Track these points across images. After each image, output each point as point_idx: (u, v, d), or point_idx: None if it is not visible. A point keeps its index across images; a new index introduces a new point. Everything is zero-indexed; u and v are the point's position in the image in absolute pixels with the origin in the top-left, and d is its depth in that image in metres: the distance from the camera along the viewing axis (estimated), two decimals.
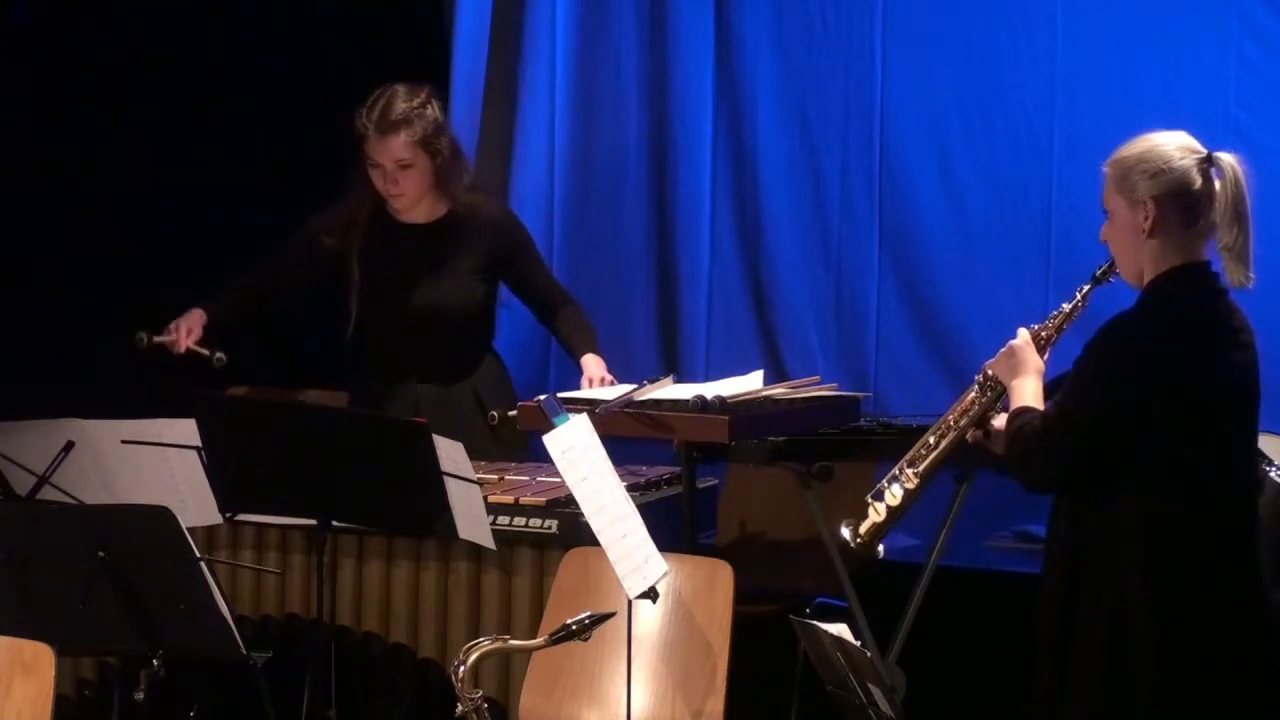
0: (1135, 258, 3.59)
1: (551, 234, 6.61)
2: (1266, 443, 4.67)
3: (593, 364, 5.11)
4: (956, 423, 3.82)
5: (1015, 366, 3.70)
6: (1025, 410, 3.63)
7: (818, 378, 5.08)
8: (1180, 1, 5.95)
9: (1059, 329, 3.73)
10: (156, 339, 5.06)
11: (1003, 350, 3.74)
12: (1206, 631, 3.48)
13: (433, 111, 5.07)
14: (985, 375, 3.80)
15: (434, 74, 6.17)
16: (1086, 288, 3.71)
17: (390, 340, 5.15)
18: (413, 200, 5.11)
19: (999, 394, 3.77)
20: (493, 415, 4.79)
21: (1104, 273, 3.69)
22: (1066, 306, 3.73)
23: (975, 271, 6.15)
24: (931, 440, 3.84)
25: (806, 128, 6.41)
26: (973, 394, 3.82)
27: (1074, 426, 3.51)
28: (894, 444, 5.18)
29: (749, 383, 4.79)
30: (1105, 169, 3.64)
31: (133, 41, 6.30)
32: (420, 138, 5.03)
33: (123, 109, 6.28)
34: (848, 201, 6.37)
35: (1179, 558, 3.48)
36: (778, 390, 4.82)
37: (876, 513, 3.84)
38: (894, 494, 3.83)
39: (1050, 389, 3.69)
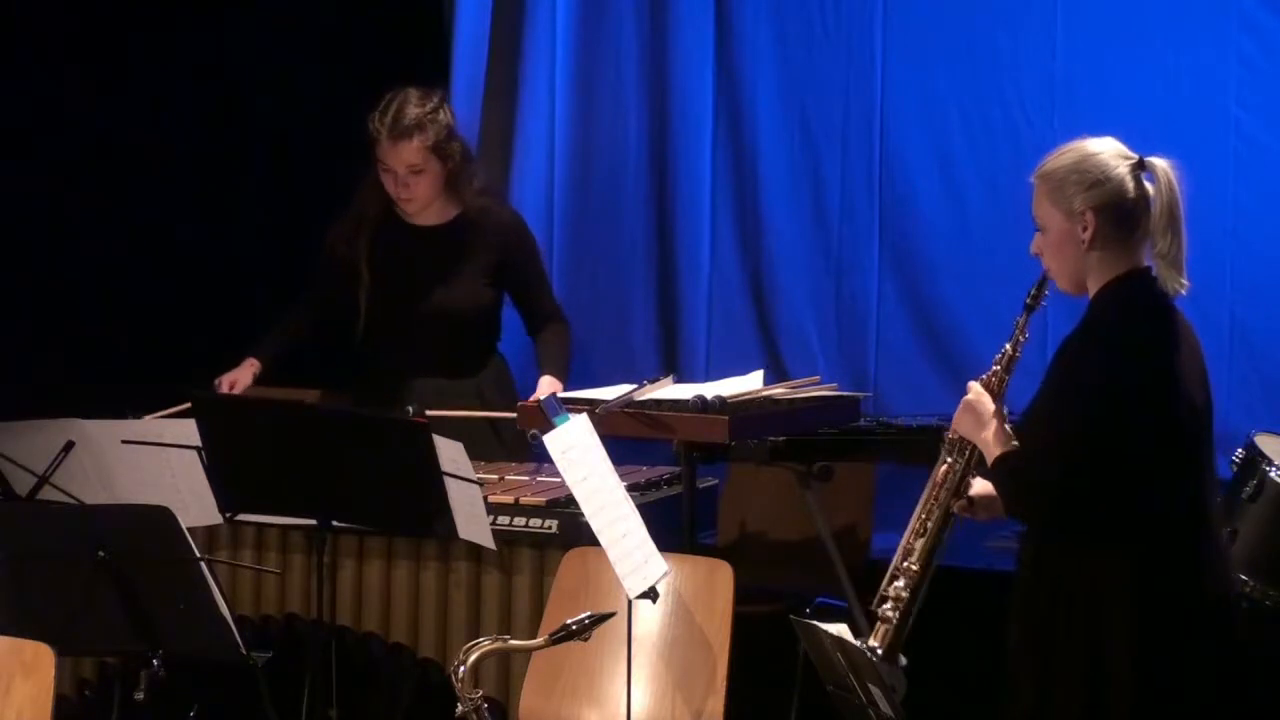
0: (1076, 269, 3.53)
1: (551, 234, 6.62)
2: (1266, 442, 4.68)
3: (544, 385, 5.10)
4: (938, 498, 3.69)
5: (978, 419, 3.60)
6: (1005, 455, 3.55)
7: (818, 378, 5.08)
8: (1180, 1, 5.96)
9: (1008, 370, 3.63)
10: (146, 417, 5.00)
11: (959, 409, 3.65)
12: (1188, 646, 3.47)
13: (445, 116, 5.07)
14: (951, 440, 3.70)
15: (434, 74, 6.18)
16: (1021, 319, 3.62)
17: (397, 340, 5.16)
18: (423, 204, 5.12)
19: (972, 455, 3.66)
20: (407, 409, 4.75)
21: (1034, 299, 3.60)
22: (1008, 346, 3.63)
23: (975, 272, 6.16)
24: (917, 525, 3.70)
25: (806, 128, 6.42)
26: (945, 464, 3.69)
27: (1062, 449, 3.43)
28: (894, 444, 5.20)
29: (749, 383, 4.79)
30: (1034, 181, 3.56)
31: (131, 42, 6.31)
32: (433, 143, 5.03)
33: (123, 110, 6.28)
34: (848, 201, 6.38)
35: (1164, 570, 3.47)
36: (778, 390, 4.82)
37: (887, 619, 3.69)
38: (899, 590, 3.68)
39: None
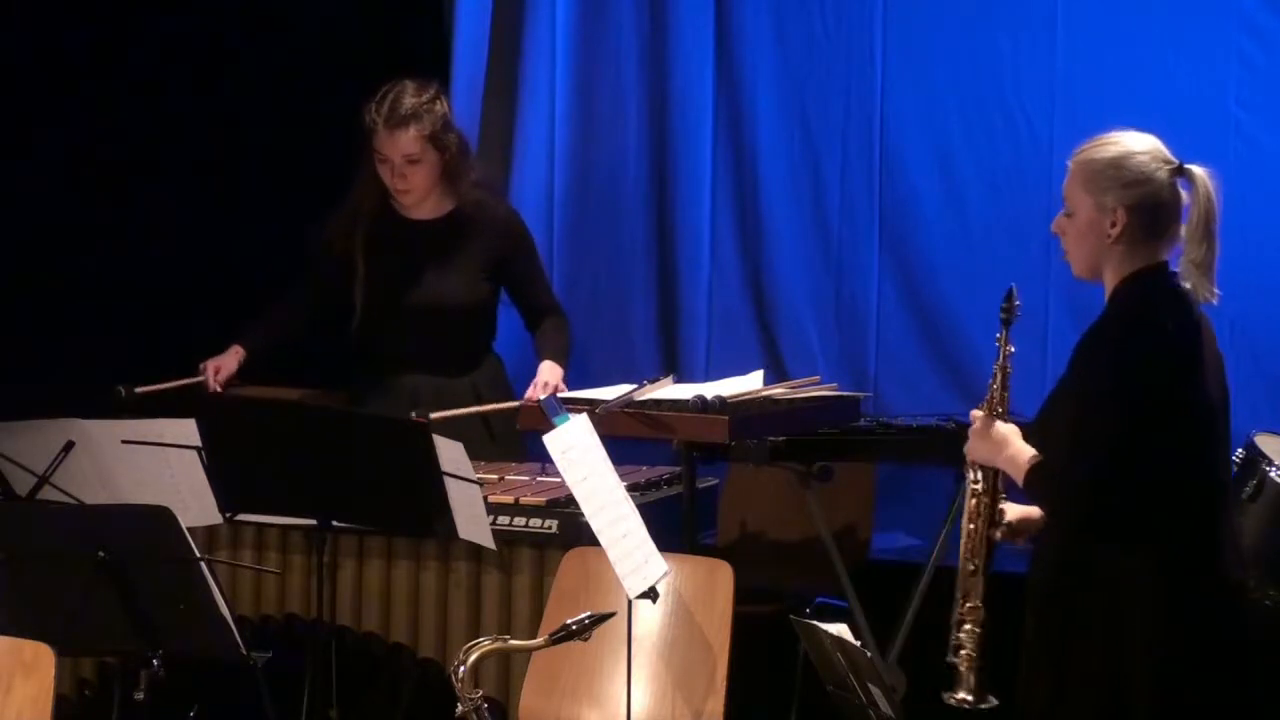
0: (1094, 257, 3.54)
1: (551, 234, 6.61)
2: (1266, 442, 4.68)
3: (546, 369, 5.10)
4: (977, 531, 3.64)
5: (993, 443, 3.59)
6: (1033, 466, 3.52)
7: (818, 378, 5.08)
8: (1180, 1, 5.95)
9: (1004, 387, 3.62)
10: (138, 390, 5.01)
11: (970, 440, 3.63)
12: (1205, 645, 3.46)
13: (441, 107, 5.10)
14: (968, 468, 3.66)
15: (434, 74, 6.17)
16: (1001, 335, 3.61)
17: (392, 334, 5.16)
18: (420, 195, 5.13)
19: (995, 481, 3.63)
20: (413, 415, 4.74)
21: (1007, 312, 3.60)
22: (996, 366, 3.62)
23: (975, 272, 6.15)
24: (966, 567, 3.64)
25: (806, 128, 6.41)
26: (973, 498, 3.65)
27: (1089, 445, 3.42)
28: (894, 444, 5.20)
29: (749, 383, 4.79)
30: (1071, 164, 3.56)
31: (131, 41, 6.30)
32: (429, 133, 5.05)
33: (122, 110, 6.28)
34: (848, 201, 6.37)
35: (1183, 566, 3.46)
36: (778, 390, 4.83)
37: (966, 662, 3.63)
38: (969, 633, 3.62)
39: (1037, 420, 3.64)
